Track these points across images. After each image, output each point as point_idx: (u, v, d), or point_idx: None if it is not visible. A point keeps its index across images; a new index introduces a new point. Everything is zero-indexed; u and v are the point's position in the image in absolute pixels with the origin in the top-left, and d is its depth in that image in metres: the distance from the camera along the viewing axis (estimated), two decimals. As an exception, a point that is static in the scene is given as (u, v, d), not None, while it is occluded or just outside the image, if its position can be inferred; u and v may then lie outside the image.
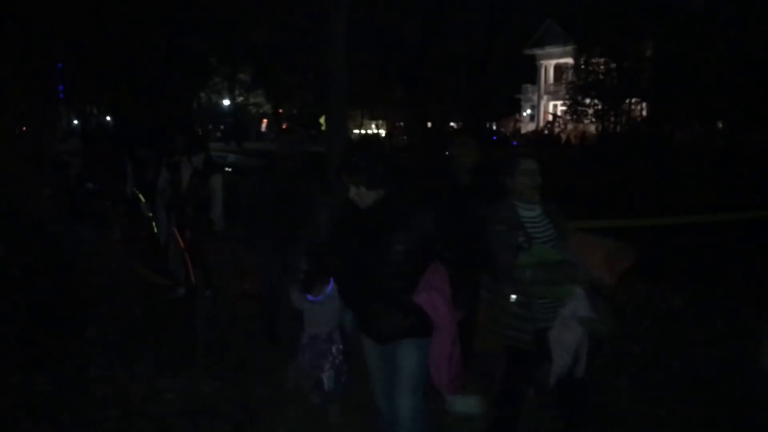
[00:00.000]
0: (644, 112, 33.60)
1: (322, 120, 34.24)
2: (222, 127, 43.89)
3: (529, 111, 49.63)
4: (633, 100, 32.49)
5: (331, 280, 4.00)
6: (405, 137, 37.64)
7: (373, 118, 51.93)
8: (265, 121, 54.77)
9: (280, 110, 40.09)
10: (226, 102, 37.04)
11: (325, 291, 4.07)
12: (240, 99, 38.42)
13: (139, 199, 7.17)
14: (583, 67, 33.34)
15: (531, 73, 46.92)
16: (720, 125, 31.94)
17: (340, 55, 10.60)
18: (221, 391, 4.56)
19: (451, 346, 3.18)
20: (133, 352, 5.17)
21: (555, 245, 3.46)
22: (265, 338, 5.41)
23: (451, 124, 49.44)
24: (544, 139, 38.93)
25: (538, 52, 45.23)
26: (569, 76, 35.73)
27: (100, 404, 4.35)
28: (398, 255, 3.13)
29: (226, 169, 14.45)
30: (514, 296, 3.43)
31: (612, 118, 32.71)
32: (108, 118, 32.49)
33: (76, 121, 32.13)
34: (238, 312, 6.20)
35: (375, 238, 3.18)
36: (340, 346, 4.10)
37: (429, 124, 35.20)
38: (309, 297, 4.07)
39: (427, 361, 3.22)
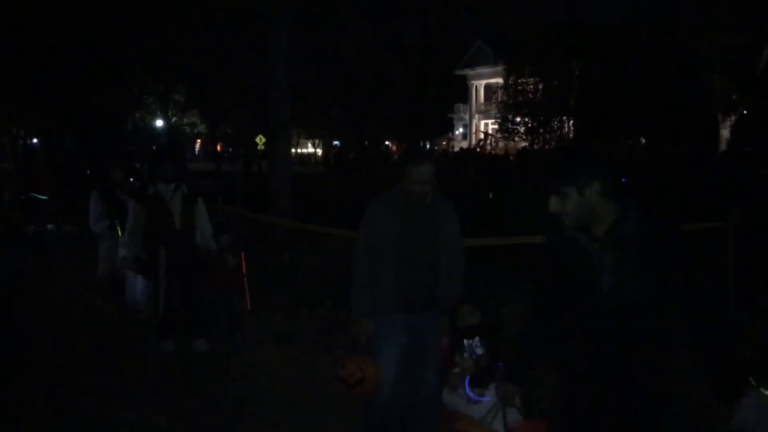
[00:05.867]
0: (572, 129, 34.90)
1: (258, 139, 34.07)
2: (154, 147, 42.93)
3: (461, 130, 50.67)
4: (562, 118, 33.70)
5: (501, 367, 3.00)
6: (352, 155, 37.75)
7: (310, 137, 51.97)
8: (198, 141, 53.91)
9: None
10: (160, 122, 36.36)
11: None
12: (174, 119, 37.85)
13: (117, 233, 6.05)
14: (512, 85, 34.44)
15: (463, 93, 47.98)
16: (643, 140, 33.47)
17: (282, 76, 10.68)
18: (178, 422, 4.40)
19: None
20: (81, 383, 4.96)
21: None
22: None
23: (386, 143, 50.00)
24: (472, 156, 39.81)
25: (469, 72, 46.33)
26: (499, 95, 36.80)
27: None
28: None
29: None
30: None
31: (541, 136, 33.82)
32: (36, 140, 31.35)
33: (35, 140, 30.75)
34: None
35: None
36: None
37: (366, 143, 35.52)
38: (470, 393, 3.08)
39: None
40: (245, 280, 6.12)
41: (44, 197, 10.47)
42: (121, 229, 5.92)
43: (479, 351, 3.06)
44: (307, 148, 55.50)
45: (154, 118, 36.02)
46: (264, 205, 11.00)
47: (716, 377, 2.25)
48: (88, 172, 15.82)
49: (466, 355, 3.09)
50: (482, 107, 46.87)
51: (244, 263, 6.03)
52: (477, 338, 3.08)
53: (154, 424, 4.38)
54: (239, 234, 6.20)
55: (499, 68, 37.43)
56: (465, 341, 3.11)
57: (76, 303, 7.08)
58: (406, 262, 3.49)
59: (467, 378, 3.06)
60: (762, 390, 2.48)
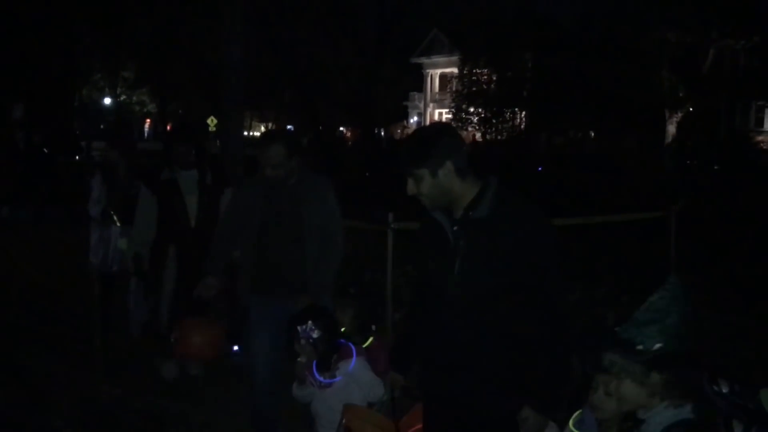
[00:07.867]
0: (524, 121, 35.44)
1: (209, 120, 33.47)
2: (102, 126, 41.90)
3: (416, 118, 50.78)
4: (515, 109, 34.19)
5: (353, 350, 3.04)
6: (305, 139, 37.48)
7: (263, 120, 51.32)
8: (148, 121, 52.67)
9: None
10: (107, 100, 35.34)
11: (346, 367, 3.01)
12: (122, 97, 36.82)
13: (113, 221, 5.33)
14: (466, 75, 34.74)
15: (418, 81, 48.06)
16: (592, 133, 34.25)
17: (236, 56, 10.48)
18: (121, 399, 4.33)
19: None
20: (19, 359, 4.83)
21: None
22: None
23: (341, 128, 49.82)
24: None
25: (424, 60, 46.40)
26: (454, 85, 37.08)
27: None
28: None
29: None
30: None
31: (494, 126, 34.25)
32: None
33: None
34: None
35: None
36: None
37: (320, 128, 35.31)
38: (320, 378, 2.99)
39: None
40: None
41: None
42: (117, 219, 5.25)
43: (315, 334, 2.96)
44: (259, 130, 54.84)
45: (102, 95, 35.00)
46: None
47: (539, 387, 2.14)
48: (46, 150, 15.03)
49: (303, 341, 2.98)
50: (437, 96, 47.06)
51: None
52: (309, 322, 2.97)
53: (98, 395, 4.33)
54: None
55: (455, 58, 37.64)
56: (298, 327, 2.99)
57: (20, 280, 6.86)
58: (265, 245, 3.44)
59: (314, 364, 2.98)
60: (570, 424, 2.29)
